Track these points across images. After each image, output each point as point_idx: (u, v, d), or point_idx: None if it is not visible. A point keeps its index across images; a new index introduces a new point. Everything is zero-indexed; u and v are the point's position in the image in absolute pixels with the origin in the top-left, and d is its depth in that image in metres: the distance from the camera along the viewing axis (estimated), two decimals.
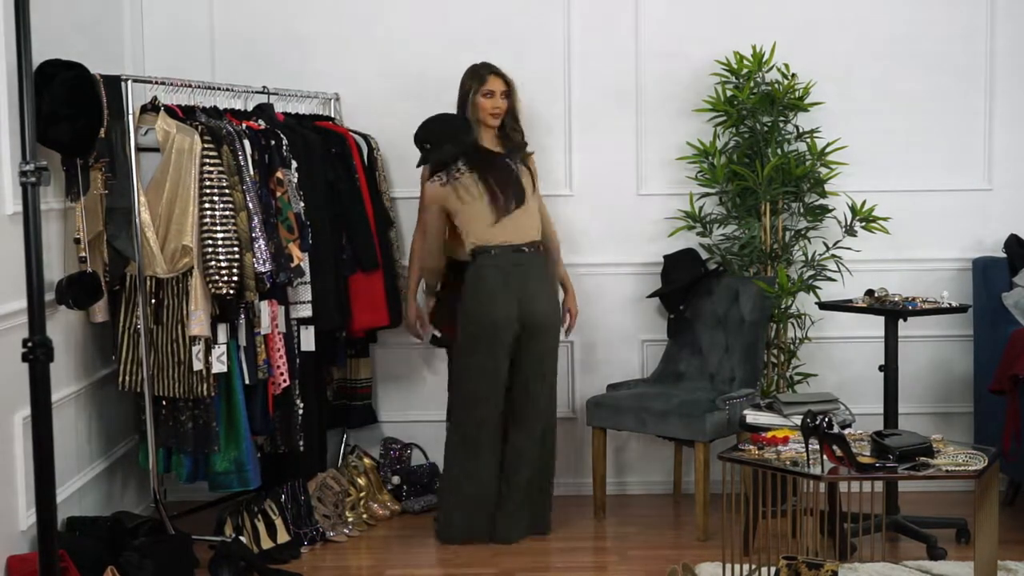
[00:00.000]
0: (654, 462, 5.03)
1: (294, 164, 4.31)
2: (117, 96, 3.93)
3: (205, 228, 3.95)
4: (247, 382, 4.15)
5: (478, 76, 4.42)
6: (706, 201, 4.87)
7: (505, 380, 4.32)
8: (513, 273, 4.28)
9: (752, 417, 4.04)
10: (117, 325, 4.12)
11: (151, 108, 4.02)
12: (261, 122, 4.34)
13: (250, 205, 4.03)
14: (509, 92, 4.45)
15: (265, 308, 4.18)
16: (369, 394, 4.94)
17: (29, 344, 2.37)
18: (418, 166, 4.49)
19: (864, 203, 4.69)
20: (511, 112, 4.47)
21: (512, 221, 4.30)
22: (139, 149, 3.99)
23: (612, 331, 5.01)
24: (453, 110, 4.45)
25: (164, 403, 4.11)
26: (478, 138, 4.39)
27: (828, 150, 4.74)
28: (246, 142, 4.11)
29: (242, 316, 4.11)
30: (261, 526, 4.23)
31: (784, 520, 4.03)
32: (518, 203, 4.32)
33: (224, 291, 3.95)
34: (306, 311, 4.37)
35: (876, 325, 4.44)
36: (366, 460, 4.79)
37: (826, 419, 3.37)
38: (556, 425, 4.48)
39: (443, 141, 4.34)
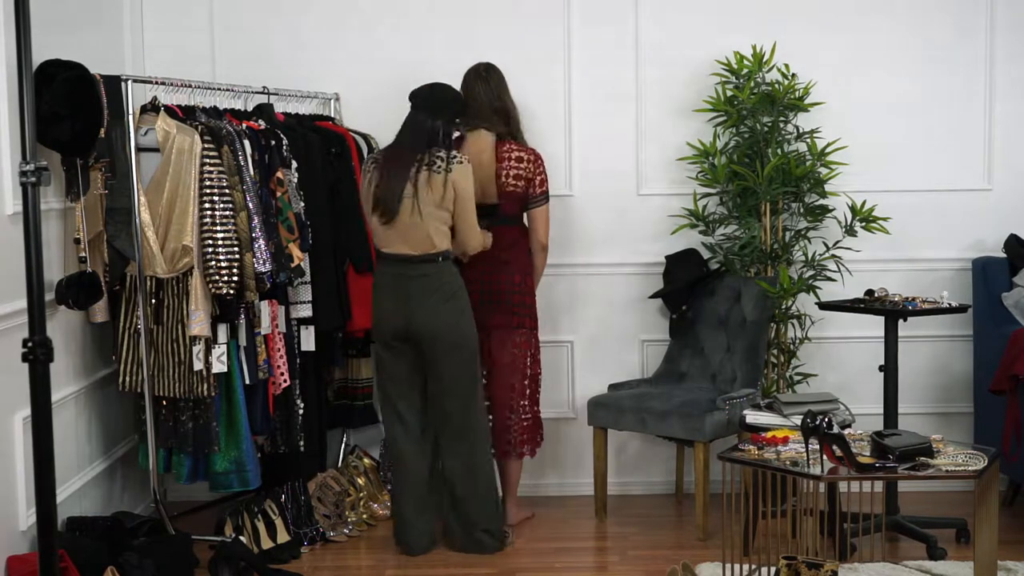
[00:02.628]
0: (655, 462, 5.03)
1: (294, 164, 4.31)
2: (117, 96, 3.93)
3: (205, 228, 3.95)
4: (247, 382, 4.15)
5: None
6: (707, 201, 4.87)
7: (415, 388, 4.23)
8: (399, 283, 4.11)
9: (752, 417, 4.03)
10: (117, 325, 4.12)
11: (151, 108, 4.02)
12: (261, 122, 4.34)
13: (250, 205, 4.03)
14: None
15: (265, 308, 4.18)
16: (370, 394, 4.93)
17: (29, 344, 2.37)
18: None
19: (864, 203, 4.69)
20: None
21: (397, 231, 4.07)
22: (139, 149, 3.99)
23: (612, 331, 5.01)
24: None
25: (164, 403, 4.11)
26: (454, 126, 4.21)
27: (828, 150, 4.74)
28: (246, 142, 4.11)
29: (242, 316, 4.11)
30: (261, 526, 4.23)
31: (784, 520, 4.03)
32: (387, 219, 4.06)
33: (224, 291, 3.95)
34: (306, 311, 4.38)
35: (876, 325, 4.44)
36: (366, 460, 4.80)
37: (826, 419, 3.37)
38: (484, 445, 4.26)
39: (436, 113, 4.17)
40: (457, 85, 4.46)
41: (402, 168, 4.08)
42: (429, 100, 4.18)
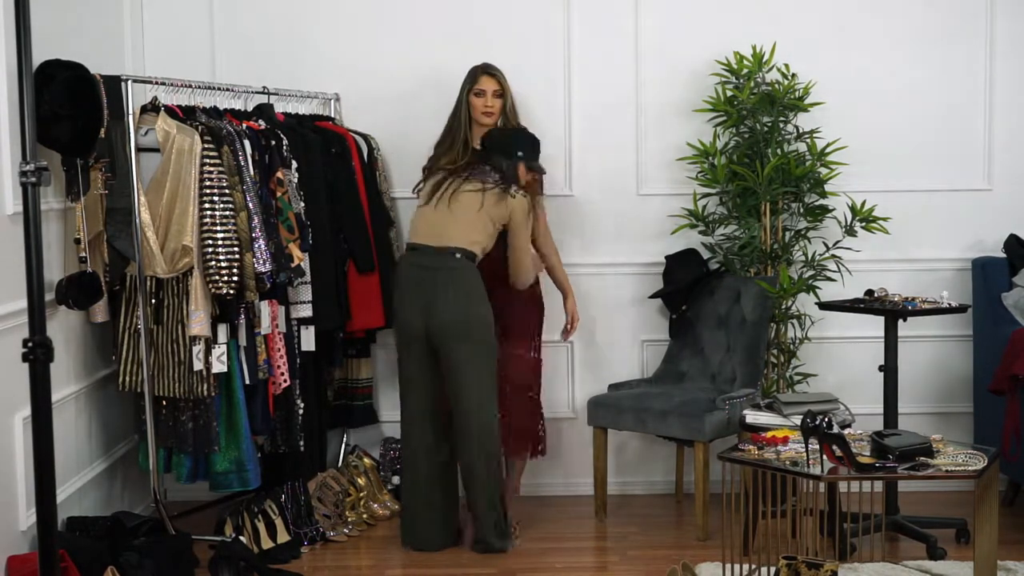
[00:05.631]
0: (655, 462, 5.03)
1: (294, 164, 4.31)
2: (117, 96, 3.93)
3: (205, 228, 3.95)
4: (247, 382, 4.15)
5: (471, 75, 4.50)
6: (707, 201, 4.87)
7: (430, 388, 4.26)
8: (422, 276, 4.18)
9: (752, 417, 4.03)
10: (117, 325, 4.12)
11: (151, 108, 4.02)
12: (261, 122, 4.34)
13: (250, 205, 4.03)
14: (502, 93, 4.49)
15: (265, 308, 4.18)
16: (370, 394, 4.94)
17: (29, 344, 2.37)
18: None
19: (864, 203, 4.69)
20: (505, 113, 4.50)
21: (436, 222, 4.22)
22: (139, 149, 3.99)
23: (612, 331, 5.01)
24: (451, 109, 4.49)
25: (164, 403, 4.11)
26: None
27: (828, 150, 4.74)
28: (246, 142, 4.11)
29: (242, 316, 4.11)
30: (261, 526, 4.23)
31: (784, 520, 4.03)
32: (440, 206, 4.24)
33: (224, 291, 3.95)
34: (306, 311, 4.38)
35: (876, 325, 4.44)
36: (366, 460, 4.79)
37: (826, 419, 3.38)
38: (494, 445, 4.24)
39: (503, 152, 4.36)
40: (457, 85, 4.47)
41: (460, 174, 4.27)
42: (503, 143, 4.34)
